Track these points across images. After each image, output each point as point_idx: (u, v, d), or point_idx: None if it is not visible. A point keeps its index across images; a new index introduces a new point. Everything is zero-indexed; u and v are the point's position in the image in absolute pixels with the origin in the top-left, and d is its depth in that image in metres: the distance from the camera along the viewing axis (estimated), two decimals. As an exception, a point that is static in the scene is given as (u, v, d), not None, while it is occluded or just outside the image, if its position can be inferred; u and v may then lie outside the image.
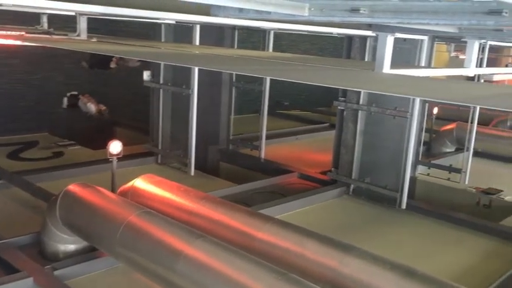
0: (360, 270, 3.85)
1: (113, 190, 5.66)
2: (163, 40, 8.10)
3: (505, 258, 5.87)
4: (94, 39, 5.49)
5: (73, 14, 5.25)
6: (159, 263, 3.99)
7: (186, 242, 3.92)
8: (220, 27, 8.24)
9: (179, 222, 4.38)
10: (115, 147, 5.69)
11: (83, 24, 5.20)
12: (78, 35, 5.22)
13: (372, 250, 4.10)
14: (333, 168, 8.07)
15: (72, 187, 4.98)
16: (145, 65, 8.46)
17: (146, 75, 8.29)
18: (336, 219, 6.99)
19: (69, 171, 7.65)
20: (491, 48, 9.28)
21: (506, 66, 6.24)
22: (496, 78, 6.86)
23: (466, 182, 8.22)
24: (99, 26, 8.36)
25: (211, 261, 3.72)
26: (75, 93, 10.42)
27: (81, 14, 5.06)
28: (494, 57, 13.02)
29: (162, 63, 7.88)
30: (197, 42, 6.83)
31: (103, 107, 10.26)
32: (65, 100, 10.43)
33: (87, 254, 4.96)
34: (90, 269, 4.84)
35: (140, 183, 5.49)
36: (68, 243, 4.99)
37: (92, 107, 10.13)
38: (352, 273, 3.85)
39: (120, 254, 4.35)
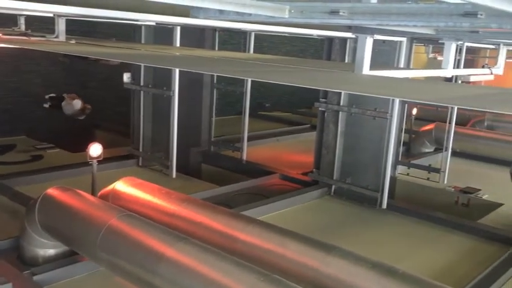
0: (341, 270, 3.88)
1: (94, 193, 5.60)
2: (143, 42, 8.05)
3: (482, 256, 5.97)
4: (73, 41, 5.43)
5: (51, 15, 5.17)
6: (140, 266, 3.96)
7: (168, 244, 3.90)
8: (201, 29, 8.23)
9: (161, 225, 4.36)
10: (95, 149, 5.63)
11: (61, 26, 5.13)
12: (56, 37, 5.15)
13: (353, 250, 4.14)
14: (314, 169, 8.12)
15: (52, 191, 4.91)
16: (125, 66, 8.39)
17: (126, 77, 8.22)
18: (317, 219, 7.03)
19: (48, 175, 7.53)
20: (468, 49, 9.46)
21: (483, 67, 6.35)
22: (472, 79, 6.99)
23: (445, 182, 8.36)
24: (77, 28, 8.26)
25: (194, 264, 3.70)
26: (53, 95, 10.22)
27: (60, 15, 4.99)
28: (471, 59, 13.26)
29: (143, 65, 7.83)
30: (178, 44, 6.81)
31: (88, 106, 10.08)
32: (47, 100, 10.21)
33: (67, 258, 4.90)
34: (70, 274, 4.78)
35: (121, 186, 5.44)
36: (47, 248, 4.92)
37: (78, 103, 9.89)
38: (334, 273, 3.88)
39: (101, 258, 4.30)
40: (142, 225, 4.25)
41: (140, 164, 8.66)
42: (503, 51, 5.59)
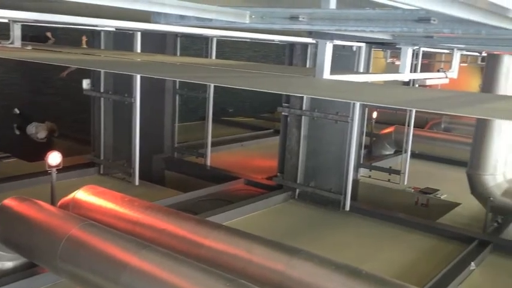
0: (306, 273, 3.91)
1: (53, 203, 5.45)
2: (102, 47, 7.91)
3: (442, 254, 6.16)
4: (29, 47, 5.27)
5: (6, 21, 5.02)
6: (103, 276, 3.88)
7: (132, 253, 3.84)
8: (162, 35, 8.16)
9: (124, 233, 4.29)
10: (54, 158, 5.48)
11: (16, 32, 4.97)
12: (11, 43, 4.99)
13: (318, 252, 4.19)
14: (278, 174, 8.17)
15: (9, 201, 4.75)
16: (85, 73, 8.22)
17: (86, 83, 8.06)
18: (282, 223, 7.08)
19: (4, 185, 7.27)
20: (425, 54, 9.76)
21: (438, 71, 6.56)
22: (429, 82, 7.20)
23: (405, 183, 8.58)
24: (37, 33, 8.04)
25: (158, 271, 3.66)
26: (17, 111, 9.93)
27: (15, 21, 4.84)
28: (428, 63, 13.70)
29: (102, 71, 7.69)
30: (139, 50, 6.73)
31: (55, 129, 9.90)
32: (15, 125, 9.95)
33: (27, 270, 4.74)
34: (30, 287, 4.63)
35: (82, 194, 5.32)
36: (5, 261, 4.76)
37: (43, 134, 9.71)
38: (299, 275, 3.91)
39: (63, 269, 4.19)
40: (105, 234, 4.17)
41: (102, 172, 8.50)
42: (457, 56, 5.79)
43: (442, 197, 8.46)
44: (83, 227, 4.23)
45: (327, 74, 3.36)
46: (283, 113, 7.97)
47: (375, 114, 10.60)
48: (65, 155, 5.80)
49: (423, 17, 1.90)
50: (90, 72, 8.09)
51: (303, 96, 7.45)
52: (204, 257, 4.26)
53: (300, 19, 2.25)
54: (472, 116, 3.18)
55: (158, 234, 4.66)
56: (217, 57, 8.97)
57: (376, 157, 10.89)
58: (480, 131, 6.87)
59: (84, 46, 8.71)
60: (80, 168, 8.35)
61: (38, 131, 9.64)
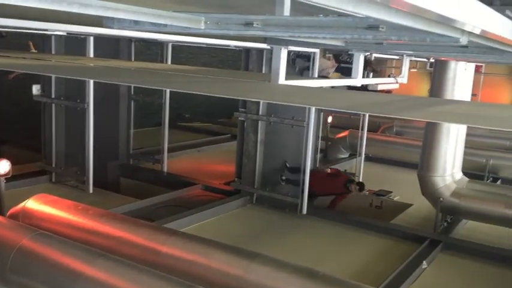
0: (264, 276, 3.94)
1: (2, 213, 5.24)
2: (53, 52, 7.69)
3: (396, 254, 6.34)
4: (-25, 51, 5.07)
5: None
6: (56, 287, 3.76)
7: (86, 262, 3.75)
8: (116, 39, 8.02)
9: (78, 243, 4.18)
10: (2, 166, 5.28)
11: (-39, 35, 4.77)
12: (-45, 47, 4.78)
13: (276, 256, 4.23)
14: (236, 179, 8.18)
15: (-47, 213, 4.53)
16: (34, 78, 7.95)
17: (36, 89, 7.80)
18: (240, 228, 7.09)
19: None
20: (377, 60, 10.06)
21: (389, 76, 6.79)
22: (380, 87, 7.42)
23: (360, 185, 8.77)
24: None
25: (114, 280, 3.59)
26: None
27: (-42, 24, 4.64)
28: (380, 69, 14.10)
29: (54, 76, 7.47)
30: (91, 55, 6.59)
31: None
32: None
33: (-27, 285, 4.53)
34: (-23, 302, 4.42)
35: (32, 204, 5.15)
36: (-51, 275, 4.52)
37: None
38: (258, 279, 3.94)
39: (13, 281, 4.03)
40: (58, 243, 4.06)
41: (53, 180, 8.24)
42: (406, 62, 6.01)
43: (395, 199, 8.72)
44: (34, 237, 4.09)
45: (282, 80, 3.41)
46: (240, 118, 7.99)
47: (330, 119, 10.81)
48: (14, 162, 5.60)
49: (372, 25, 1.97)
50: (40, 77, 7.84)
51: (259, 101, 7.50)
52: (162, 264, 4.21)
53: (254, 25, 2.28)
54: (421, 120, 3.31)
55: (114, 243, 4.57)
56: (173, 62, 8.91)
57: (331, 161, 11.10)
58: (429, 134, 7.12)
59: (34, 51, 8.43)
60: (30, 177, 8.06)
61: None
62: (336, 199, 7.89)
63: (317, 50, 6.68)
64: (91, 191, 7.08)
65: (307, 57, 7.42)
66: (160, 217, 6.62)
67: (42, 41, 8.01)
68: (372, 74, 8.25)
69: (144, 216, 6.40)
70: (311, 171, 7.32)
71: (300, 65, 7.48)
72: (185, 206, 7.41)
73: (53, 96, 7.89)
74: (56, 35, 7.40)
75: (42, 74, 6.88)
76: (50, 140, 8.18)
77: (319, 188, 7.60)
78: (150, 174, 8.90)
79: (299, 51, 7.17)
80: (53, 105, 7.99)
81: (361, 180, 8.69)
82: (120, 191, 8.48)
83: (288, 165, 7.75)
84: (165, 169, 8.89)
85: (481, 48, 3.24)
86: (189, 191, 8.16)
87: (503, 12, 2.46)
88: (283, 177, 7.77)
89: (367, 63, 7.95)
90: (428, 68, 12.71)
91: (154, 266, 4.03)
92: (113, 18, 2.30)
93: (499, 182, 9.79)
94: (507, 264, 6.06)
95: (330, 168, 9.17)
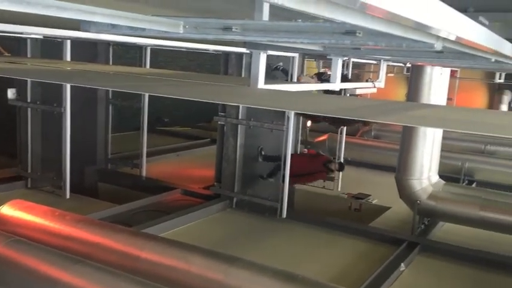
0: (244, 280, 3.94)
1: (-25, 220, 5.12)
2: (29, 56, 7.57)
3: (375, 257, 6.40)
4: None
5: None
6: (32, 295, 3.70)
7: (63, 268, 3.69)
8: (94, 43, 7.94)
9: (55, 249, 4.11)
10: (-24, 172, 5.17)
11: None
12: None
13: (256, 260, 4.23)
14: (215, 183, 8.16)
15: None
16: (9, 82, 7.80)
17: (11, 93, 7.65)
18: (220, 232, 7.07)
19: None
20: (355, 64, 10.18)
21: (367, 81, 6.88)
22: (359, 92, 7.51)
23: (339, 189, 8.86)
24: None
25: (92, 287, 3.54)
26: None
27: None
28: (358, 73, 14.27)
29: (29, 80, 7.35)
30: (68, 58, 6.51)
31: None
32: None
33: None
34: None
35: (7, 210, 5.05)
36: None
37: None
38: (237, 283, 3.93)
39: (-14, 289, 3.95)
40: (34, 250, 3.99)
41: (29, 185, 8.08)
42: (383, 66, 6.10)
43: (373, 202, 8.82)
44: (9, 244, 4.01)
45: (261, 84, 3.42)
46: (219, 122, 7.98)
47: (309, 123, 10.87)
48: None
49: (349, 30, 2.00)
50: (15, 81, 7.70)
51: (239, 106, 7.51)
52: (141, 270, 4.17)
53: (233, 30, 2.29)
54: (398, 124, 3.37)
55: (92, 249, 4.50)
56: (151, 66, 8.85)
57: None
58: (406, 138, 7.23)
59: (7, 54, 8.27)
60: (5, 183, 7.89)
61: None
62: (310, 177, 7.88)
63: (296, 55, 6.73)
64: (68, 196, 6.98)
65: (286, 72, 7.52)
66: (139, 222, 6.55)
67: (18, 44, 7.86)
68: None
69: (122, 221, 6.33)
70: (291, 155, 7.32)
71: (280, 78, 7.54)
72: (164, 210, 7.36)
73: (28, 100, 7.76)
74: (31, 38, 7.29)
75: (17, 78, 6.76)
76: (26, 145, 8.03)
77: (299, 169, 7.57)
78: (128, 179, 8.81)
79: (278, 66, 7.27)
80: (29, 109, 7.86)
81: (339, 183, 8.77)
82: (98, 196, 8.37)
83: (263, 152, 7.75)
84: (144, 174, 8.82)
85: (455, 54, 3.31)
86: (168, 195, 8.11)
87: (476, 19, 2.52)
88: (264, 176, 7.78)
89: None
90: (405, 72, 12.91)
91: (133, 271, 3.99)
92: (89, 22, 2.27)
93: (474, 185, 9.99)
94: (483, 265, 6.18)
95: (308, 150, 9.24)
